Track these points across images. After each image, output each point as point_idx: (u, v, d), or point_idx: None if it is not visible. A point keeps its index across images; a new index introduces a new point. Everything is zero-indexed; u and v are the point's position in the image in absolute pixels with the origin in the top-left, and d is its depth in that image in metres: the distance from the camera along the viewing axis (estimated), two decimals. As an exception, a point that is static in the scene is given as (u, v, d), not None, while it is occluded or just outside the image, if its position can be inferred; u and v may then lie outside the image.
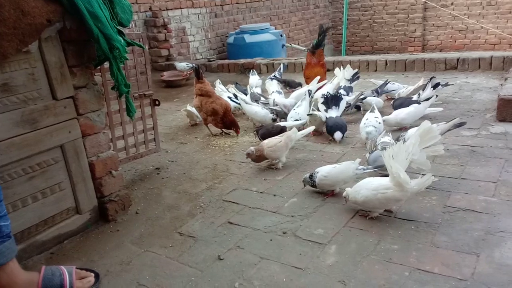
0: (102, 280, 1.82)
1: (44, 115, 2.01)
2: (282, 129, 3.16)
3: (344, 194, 2.18)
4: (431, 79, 3.75)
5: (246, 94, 4.20)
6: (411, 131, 2.76)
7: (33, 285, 1.69)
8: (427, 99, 3.44)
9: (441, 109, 3.51)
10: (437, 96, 3.64)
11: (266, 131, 3.21)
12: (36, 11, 1.85)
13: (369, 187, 2.06)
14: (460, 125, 2.77)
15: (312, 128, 3.15)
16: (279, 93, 4.13)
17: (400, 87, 4.12)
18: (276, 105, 3.84)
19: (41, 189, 2.03)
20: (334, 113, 3.39)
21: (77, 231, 2.19)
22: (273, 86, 4.35)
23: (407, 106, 3.35)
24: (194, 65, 6.14)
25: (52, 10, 1.91)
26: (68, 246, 2.11)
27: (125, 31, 2.33)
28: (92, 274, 1.81)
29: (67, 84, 2.09)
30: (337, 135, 3.12)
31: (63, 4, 1.92)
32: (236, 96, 4.08)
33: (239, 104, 3.95)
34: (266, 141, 2.87)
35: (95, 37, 2.03)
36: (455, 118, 2.75)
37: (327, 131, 3.29)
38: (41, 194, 2.03)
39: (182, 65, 6.11)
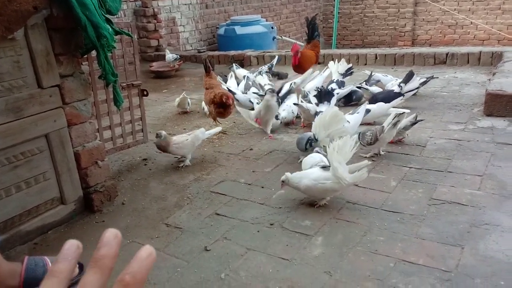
0: (87, 270, 1.80)
1: (29, 103, 1.98)
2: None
3: (283, 177, 2.21)
4: (409, 73, 3.75)
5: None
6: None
7: (15, 275, 1.66)
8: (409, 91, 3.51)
9: (408, 111, 3.50)
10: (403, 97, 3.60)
11: None
12: (21, -3, 1.80)
13: (311, 177, 2.15)
14: (415, 122, 2.87)
15: (219, 129, 3.17)
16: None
17: (393, 79, 4.14)
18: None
19: (25, 178, 2.00)
20: (324, 108, 3.36)
21: (61, 222, 2.17)
22: (263, 79, 4.33)
23: (390, 98, 3.38)
24: (178, 55, 6.09)
25: (38, -4, 1.87)
26: (52, 236, 2.09)
27: (114, 20, 2.29)
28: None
29: (53, 73, 2.06)
30: None
31: (49, -10, 1.88)
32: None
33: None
34: (175, 137, 2.85)
35: (82, 25, 1.99)
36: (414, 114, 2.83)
37: None
38: (25, 183, 2.00)
39: (168, 57, 6.03)
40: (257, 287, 1.65)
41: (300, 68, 4.31)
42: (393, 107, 3.28)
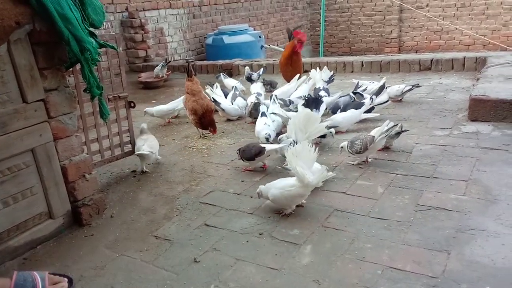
0: (76, 285, 1.80)
1: (14, 118, 1.97)
2: (260, 151, 2.76)
3: (257, 190, 2.30)
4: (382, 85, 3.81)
5: (226, 96, 4.22)
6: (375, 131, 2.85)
7: (3, 292, 1.65)
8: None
9: (377, 114, 3.57)
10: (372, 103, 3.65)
11: (246, 150, 2.82)
12: (4, 13, 1.81)
13: (277, 186, 2.23)
14: (400, 132, 2.92)
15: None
16: (259, 94, 4.14)
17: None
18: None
19: (12, 194, 1.99)
20: None
21: (50, 236, 2.15)
22: (255, 88, 4.35)
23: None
24: (164, 62, 6.08)
25: (21, 12, 1.87)
26: (41, 251, 2.07)
27: (101, 31, 2.31)
28: (66, 279, 1.78)
29: (38, 87, 2.06)
30: None
31: (32, 6, 1.88)
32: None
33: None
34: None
35: (65, 39, 1.99)
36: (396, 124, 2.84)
37: None
38: (12, 199, 1.99)
39: (156, 69, 6.02)
40: (246, 298, 1.66)
41: (294, 71, 4.37)
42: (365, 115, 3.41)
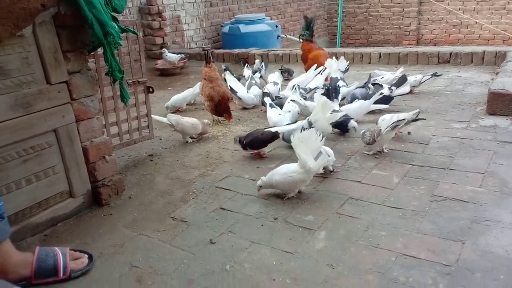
0: (96, 261, 1.85)
1: (38, 99, 2.02)
2: (274, 136, 2.84)
3: (258, 182, 2.33)
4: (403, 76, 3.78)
5: (239, 79, 4.27)
6: (385, 118, 2.86)
7: (27, 265, 1.71)
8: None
9: (387, 106, 3.51)
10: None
11: (255, 139, 2.82)
12: (30, -6, 1.84)
13: (280, 172, 2.29)
14: (417, 119, 2.92)
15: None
16: (275, 84, 4.15)
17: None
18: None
19: (34, 172, 2.05)
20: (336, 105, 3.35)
21: (70, 214, 2.21)
22: (273, 77, 4.34)
23: (380, 100, 3.45)
24: (182, 56, 6.13)
25: (47, -6, 1.91)
26: (61, 228, 2.13)
27: (119, 18, 2.33)
28: (86, 255, 1.84)
29: (61, 69, 2.10)
30: None
31: (58, -12, 1.92)
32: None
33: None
34: None
35: (89, 22, 2.03)
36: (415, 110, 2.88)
37: None
38: (35, 177, 2.05)
39: (172, 56, 6.06)
40: (261, 278, 1.69)
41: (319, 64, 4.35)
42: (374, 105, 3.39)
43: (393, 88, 3.63)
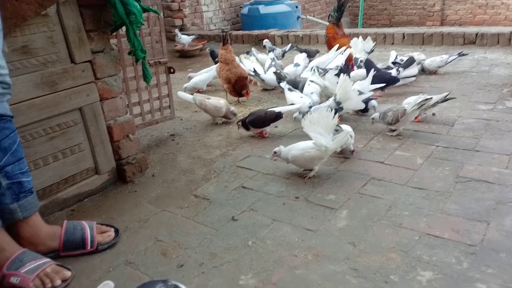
0: (122, 235, 1.90)
1: (63, 78, 2.05)
2: (278, 115, 2.85)
3: (276, 149, 2.36)
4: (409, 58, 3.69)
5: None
6: (410, 100, 2.81)
7: (55, 237, 1.77)
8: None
9: (382, 85, 3.39)
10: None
11: (258, 118, 2.84)
12: (55, -27, 1.86)
13: (298, 148, 2.30)
14: (446, 100, 2.88)
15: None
16: (296, 65, 4.10)
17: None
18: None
19: (61, 149, 2.10)
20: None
21: (96, 191, 2.27)
22: (298, 58, 4.27)
23: (385, 81, 3.39)
24: (194, 37, 6.11)
25: (71, -28, 1.92)
26: (88, 204, 2.19)
27: (140, -2, 2.33)
28: (112, 229, 1.89)
29: (85, 48, 2.12)
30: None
31: (81, -33, 1.93)
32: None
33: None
34: None
35: (112, 1, 2.04)
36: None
37: None
38: (61, 154, 2.10)
39: (184, 38, 6.03)
40: (283, 254, 1.71)
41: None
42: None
43: (400, 69, 3.56)
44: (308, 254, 1.70)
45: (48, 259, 1.67)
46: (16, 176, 1.65)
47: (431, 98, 2.70)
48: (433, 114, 3.03)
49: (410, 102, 2.77)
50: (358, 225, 1.86)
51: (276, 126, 3.04)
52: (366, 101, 3.04)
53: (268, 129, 2.93)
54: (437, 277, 1.53)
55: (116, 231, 1.88)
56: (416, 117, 2.81)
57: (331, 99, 2.93)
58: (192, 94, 3.37)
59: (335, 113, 2.24)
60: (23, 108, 1.91)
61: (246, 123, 2.85)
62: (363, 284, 1.52)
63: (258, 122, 2.85)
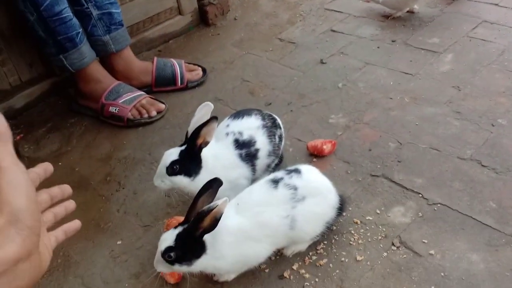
0: (209, 75, 1.90)
1: None
2: None
3: None
4: None
5: None
6: None
7: (148, 72, 1.81)
8: None
9: None
10: None
11: None
12: None
13: None
14: None
15: None
16: None
17: None
18: None
19: (144, -15, 2.02)
20: None
21: (180, 32, 2.23)
22: None
23: None
24: None
25: None
26: (173, 45, 2.18)
27: None
28: (200, 68, 1.88)
29: None
30: None
31: None
32: None
33: None
34: None
35: None
36: None
37: None
38: (143, -9, 2.03)
39: None
40: (376, 96, 1.61)
41: None
42: None
43: None
44: (405, 96, 1.58)
45: (143, 92, 1.73)
46: (105, 6, 1.63)
47: None
48: None
49: None
50: (464, 69, 1.67)
51: None
52: None
53: None
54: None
55: (204, 70, 1.87)
56: None
57: None
58: None
59: None
60: None
61: None
62: (467, 126, 1.40)
63: None
